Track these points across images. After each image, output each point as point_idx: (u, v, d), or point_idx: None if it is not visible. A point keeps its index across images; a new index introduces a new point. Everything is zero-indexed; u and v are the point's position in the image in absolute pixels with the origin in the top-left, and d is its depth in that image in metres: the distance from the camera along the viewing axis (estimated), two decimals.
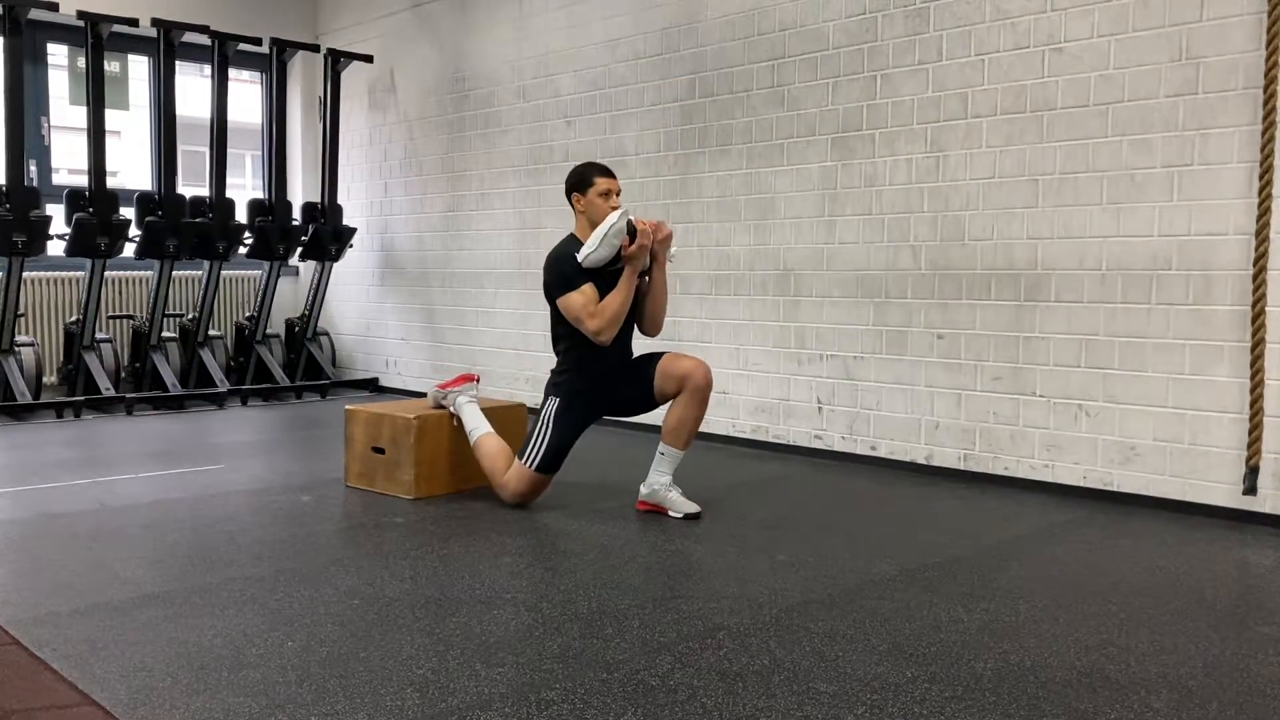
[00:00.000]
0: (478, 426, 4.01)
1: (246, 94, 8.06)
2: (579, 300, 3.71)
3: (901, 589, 2.95)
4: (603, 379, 3.86)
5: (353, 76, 7.45)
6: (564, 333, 3.84)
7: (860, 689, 2.24)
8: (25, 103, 6.01)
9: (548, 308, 3.87)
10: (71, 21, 6.17)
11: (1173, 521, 3.78)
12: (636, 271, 3.73)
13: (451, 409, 4.13)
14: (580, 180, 3.84)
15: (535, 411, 3.92)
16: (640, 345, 3.96)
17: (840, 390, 4.90)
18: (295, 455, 5.11)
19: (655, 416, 3.89)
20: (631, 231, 3.65)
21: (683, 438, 3.77)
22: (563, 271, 3.75)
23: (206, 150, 6.73)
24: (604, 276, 3.73)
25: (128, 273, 6.96)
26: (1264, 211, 3.66)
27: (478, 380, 4.20)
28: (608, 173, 3.85)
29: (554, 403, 3.85)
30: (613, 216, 3.65)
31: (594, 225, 3.73)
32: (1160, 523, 3.76)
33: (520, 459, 3.85)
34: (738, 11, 5.25)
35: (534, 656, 2.40)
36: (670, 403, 3.81)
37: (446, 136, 6.93)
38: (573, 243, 3.80)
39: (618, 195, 3.84)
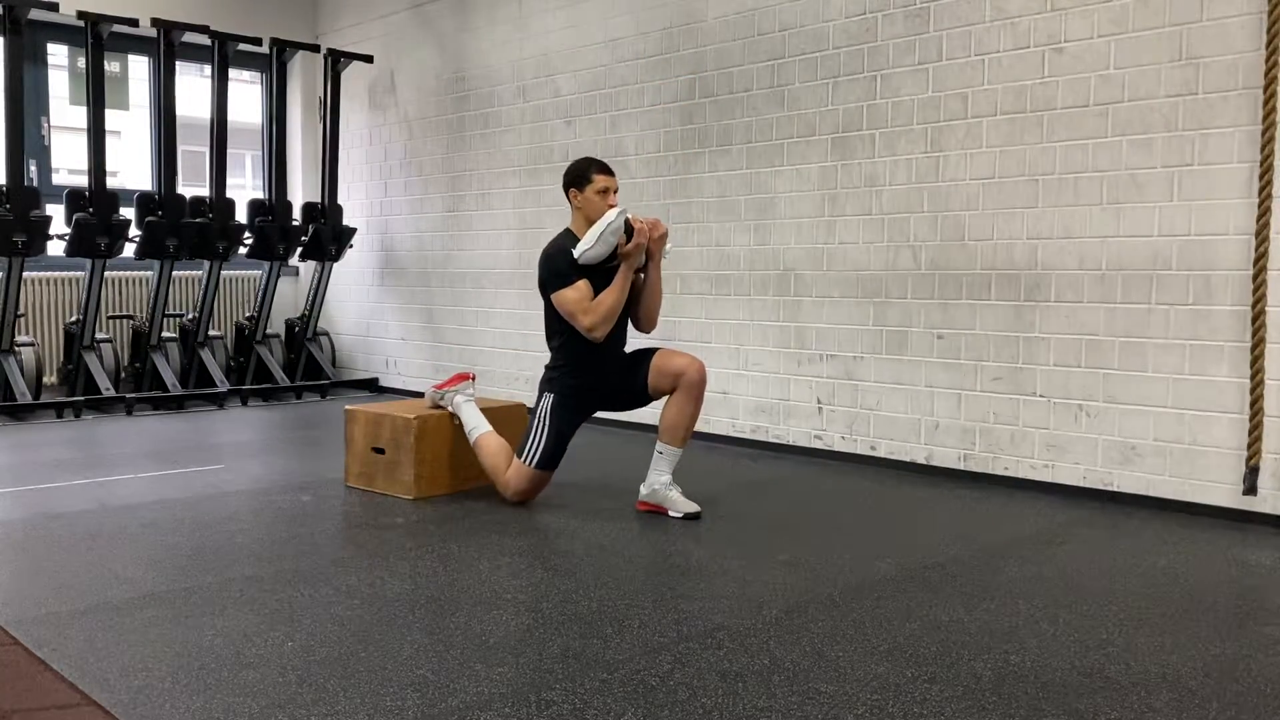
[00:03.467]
0: (477, 426, 4.01)
1: (246, 94, 8.06)
2: (573, 296, 3.71)
3: (901, 589, 2.95)
4: (597, 374, 3.86)
5: (353, 76, 7.45)
6: (558, 328, 3.84)
7: (860, 689, 2.24)
8: (25, 103, 6.01)
9: (544, 305, 3.86)
10: (71, 21, 6.17)
11: (1173, 521, 3.78)
12: (632, 269, 3.73)
13: (450, 409, 4.13)
14: (578, 176, 3.83)
15: (531, 410, 3.93)
16: (635, 341, 3.96)
17: (840, 390, 4.90)
18: (295, 455, 5.10)
19: (653, 414, 3.89)
20: (628, 230, 3.65)
21: (680, 435, 3.77)
22: (557, 267, 3.75)
23: (206, 150, 6.73)
24: (599, 272, 3.73)
25: (128, 273, 6.97)
26: (1264, 211, 3.66)
27: (474, 379, 4.20)
28: (606, 170, 3.85)
29: (549, 399, 3.85)
30: (610, 214, 3.65)
31: (590, 221, 3.73)
32: (1160, 523, 3.76)
33: (519, 457, 3.85)
34: (738, 12, 5.25)
35: (534, 656, 2.40)
36: (665, 400, 3.81)
37: (446, 136, 6.93)
38: (568, 238, 3.80)
39: (615, 194, 3.83)
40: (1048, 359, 4.25)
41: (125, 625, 2.57)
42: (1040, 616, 2.73)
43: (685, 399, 3.76)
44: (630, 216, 3.67)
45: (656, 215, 3.92)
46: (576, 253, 3.68)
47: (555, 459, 3.85)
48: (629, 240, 3.65)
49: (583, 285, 3.71)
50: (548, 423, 3.82)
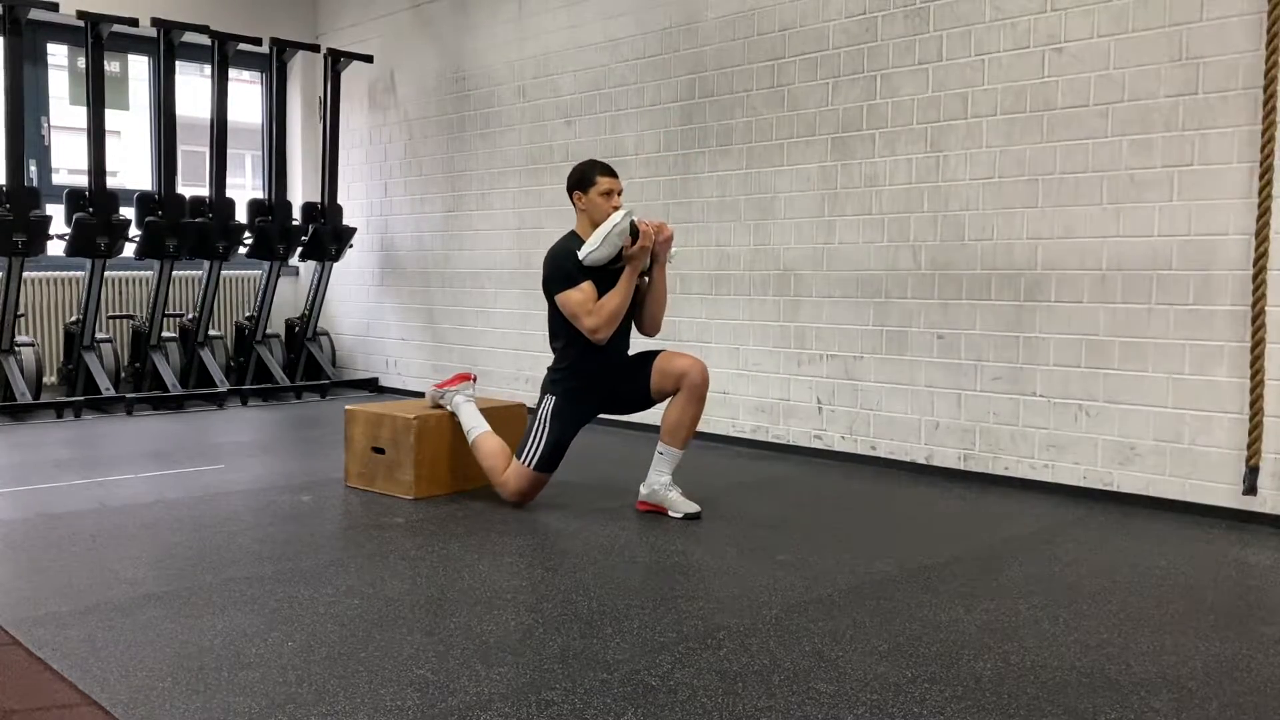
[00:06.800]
0: (475, 426, 4.01)
1: (246, 94, 8.06)
2: (577, 298, 3.71)
3: (901, 589, 2.95)
4: (599, 377, 3.86)
5: (353, 76, 7.45)
6: (562, 330, 3.84)
7: (860, 689, 2.24)
8: (25, 103, 6.01)
9: (547, 306, 3.87)
10: (71, 21, 6.17)
11: (1173, 521, 3.78)
12: (637, 271, 3.73)
13: (449, 408, 4.13)
14: (582, 179, 3.84)
15: (532, 411, 3.92)
16: (638, 344, 3.96)
17: (840, 390, 4.90)
18: (295, 455, 5.10)
19: (655, 415, 3.89)
20: (634, 232, 3.65)
21: (681, 437, 3.77)
22: (562, 267, 3.75)
23: (206, 150, 6.73)
24: (604, 274, 3.73)
25: (128, 273, 6.96)
26: (1264, 211, 3.66)
27: (474, 379, 4.20)
28: (610, 172, 3.85)
29: (550, 401, 3.85)
30: (616, 216, 3.66)
31: (595, 224, 3.73)
32: (1160, 523, 3.76)
33: (518, 458, 3.85)
34: (738, 11, 5.25)
35: (534, 656, 2.40)
36: (668, 401, 3.81)
37: (446, 136, 6.93)
38: (573, 239, 3.81)
39: (619, 195, 3.84)
40: (1048, 359, 4.25)
41: (125, 625, 2.57)
42: (1040, 616, 2.73)
43: (687, 400, 3.75)
44: (636, 219, 3.68)
45: (658, 216, 3.92)
46: (581, 254, 3.68)
47: (554, 461, 3.85)
48: (634, 242, 3.65)
49: (587, 287, 3.71)
50: (548, 425, 3.82)
